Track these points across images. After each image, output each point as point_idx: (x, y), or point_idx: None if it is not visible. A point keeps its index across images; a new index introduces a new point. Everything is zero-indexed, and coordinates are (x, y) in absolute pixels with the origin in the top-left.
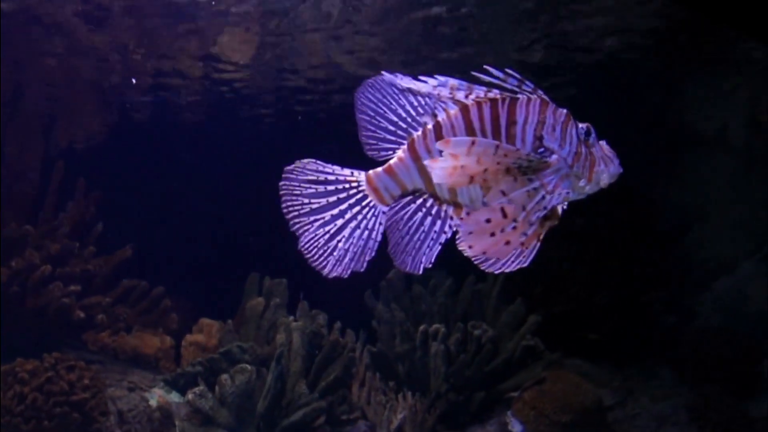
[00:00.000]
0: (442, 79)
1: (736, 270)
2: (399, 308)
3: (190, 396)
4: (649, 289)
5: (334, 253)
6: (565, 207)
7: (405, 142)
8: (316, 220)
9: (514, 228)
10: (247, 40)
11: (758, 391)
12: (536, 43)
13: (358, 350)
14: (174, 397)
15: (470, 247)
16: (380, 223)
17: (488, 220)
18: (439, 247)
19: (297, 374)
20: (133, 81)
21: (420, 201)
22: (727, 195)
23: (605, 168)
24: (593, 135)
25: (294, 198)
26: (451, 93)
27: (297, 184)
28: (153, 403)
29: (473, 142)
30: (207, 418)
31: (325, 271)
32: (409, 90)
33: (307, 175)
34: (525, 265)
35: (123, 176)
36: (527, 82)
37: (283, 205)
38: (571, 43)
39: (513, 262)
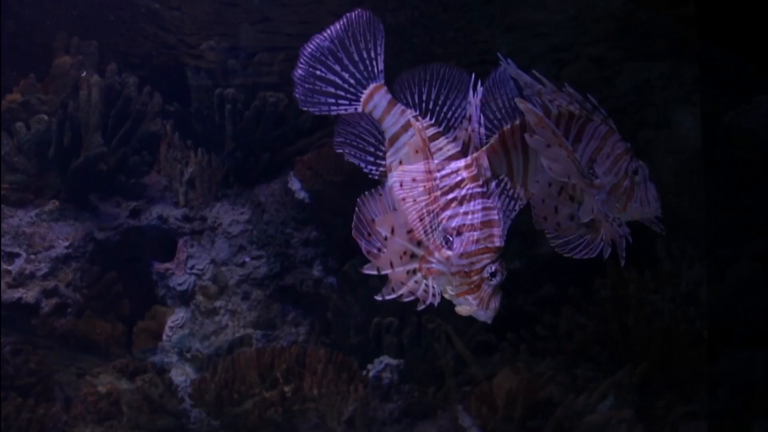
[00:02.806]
0: (532, 77)
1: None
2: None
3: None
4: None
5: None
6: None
7: (491, 129)
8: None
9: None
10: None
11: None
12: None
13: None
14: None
15: (538, 215)
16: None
17: (549, 184)
18: (510, 222)
19: (94, 127)
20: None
21: (502, 184)
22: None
23: (640, 207)
24: (640, 175)
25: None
26: (539, 93)
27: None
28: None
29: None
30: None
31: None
32: (515, 77)
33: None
34: (592, 255)
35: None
36: (601, 109)
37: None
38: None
39: (582, 250)
